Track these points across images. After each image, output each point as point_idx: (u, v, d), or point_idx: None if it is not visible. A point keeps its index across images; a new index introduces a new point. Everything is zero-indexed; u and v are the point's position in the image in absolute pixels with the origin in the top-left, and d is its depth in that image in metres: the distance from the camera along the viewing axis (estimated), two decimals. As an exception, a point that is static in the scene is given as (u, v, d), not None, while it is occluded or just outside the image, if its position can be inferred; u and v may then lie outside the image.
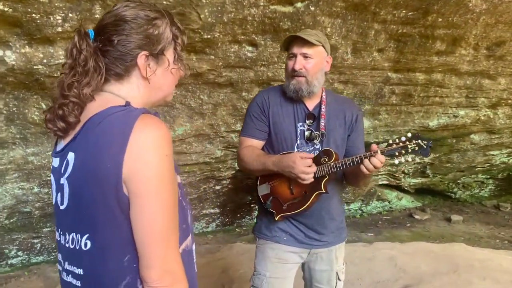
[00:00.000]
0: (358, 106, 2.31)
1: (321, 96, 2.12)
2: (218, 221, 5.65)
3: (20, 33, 2.76)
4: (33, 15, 2.66)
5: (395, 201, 6.88)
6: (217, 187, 5.17)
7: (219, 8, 3.10)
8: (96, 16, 2.83)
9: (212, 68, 3.63)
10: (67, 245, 1.05)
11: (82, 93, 1.02)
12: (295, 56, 2.01)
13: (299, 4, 3.38)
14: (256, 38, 3.52)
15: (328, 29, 3.70)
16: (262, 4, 3.24)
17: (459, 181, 7.22)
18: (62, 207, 1.05)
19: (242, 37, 3.45)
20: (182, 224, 1.10)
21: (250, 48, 3.63)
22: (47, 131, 1.07)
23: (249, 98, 3.94)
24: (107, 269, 1.00)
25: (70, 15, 2.76)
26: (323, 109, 2.08)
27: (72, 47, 1.04)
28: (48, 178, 3.74)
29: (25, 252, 4.33)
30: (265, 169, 2.02)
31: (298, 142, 2.06)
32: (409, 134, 1.88)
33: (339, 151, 2.07)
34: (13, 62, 2.86)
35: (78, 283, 1.04)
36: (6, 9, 2.57)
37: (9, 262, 4.31)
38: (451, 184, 7.20)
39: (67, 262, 1.06)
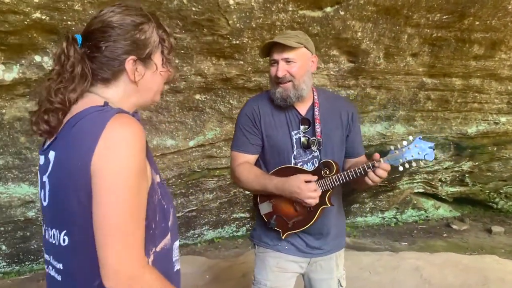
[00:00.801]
0: (352, 103, 2.18)
1: (313, 98, 2.00)
2: (248, 225, 5.67)
3: (57, 40, 2.89)
4: (69, 22, 2.78)
5: (432, 210, 6.66)
6: (247, 192, 5.19)
7: (247, 14, 3.13)
8: (128, 23, 2.92)
9: (241, 73, 3.67)
10: (50, 240, 1.08)
11: (67, 99, 1.05)
12: (276, 62, 1.89)
13: (328, 9, 3.36)
14: (285, 43, 3.52)
15: (359, 34, 3.65)
16: (290, 9, 3.24)
17: (501, 191, 6.89)
18: (44, 204, 1.09)
19: (271, 42, 3.46)
20: (161, 223, 1.10)
21: (279, 53, 3.64)
22: (32, 132, 1.10)
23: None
24: (83, 264, 1.01)
25: (103, 22, 2.86)
26: (316, 112, 1.96)
27: (60, 53, 1.06)
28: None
29: (62, 250, 4.51)
30: (266, 191, 1.93)
31: (295, 152, 1.95)
32: (410, 138, 1.79)
33: (338, 154, 2.00)
34: (50, 68, 2.99)
35: (59, 278, 1.07)
36: (43, 17, 2.70)
37: (47, 259, 4.49)
38: (492, 193, 6.88)
39: (52, 257, 1.09)
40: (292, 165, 1.95)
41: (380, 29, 3.69)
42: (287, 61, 1.87)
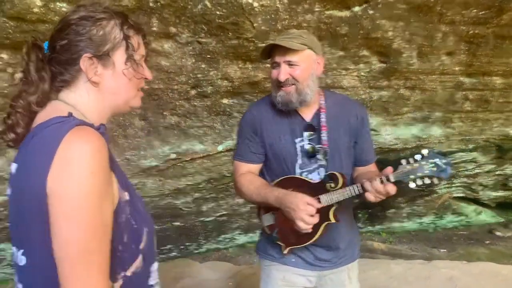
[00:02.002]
0: (362, 106, 2.02)
1: (319, 102, 1.87)
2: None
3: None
4: (95, 30, 2.82)
5: (473, 215, 6.36)
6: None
7: (273, 16, 3.08)
8: (153, 29, 2.94)
9: (267, 77, 3.61)
10: (13, 258, 1.02)
11: (27, 102, 1.01)
12: (278, 65, 1.78)
13: (356, 8, 3.26)
14: (312, 44, 3.45)
15: (390, 33, 3.53)
16: (317, 9, 3.17)
17: (549, 196, 6.51)
18: (11, 219, 1.03)
19: (298, 44, 3.40)
20: (131, 245, 1.01)
21: (306, 55, 3.57)
22: (2, 141, 1.06)
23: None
24: (41, 286, 0.94)
25: (129, 28, 2.89)
26: (323, 118, 1.82)
27: (22, 59, 1.04)
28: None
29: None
30: (266, 203, 1.82)
31: (300, 161, 1.83)
32: (424, 151, 1.61)
33: (347, 163, 1.87)
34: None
35: None
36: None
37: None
38: (539, 198, 6.51)
39: (16, 276, 1.03)
40: (297, 176, 1.84)
41: (412, 28, 3.55)
42: (290, 64, 1.75)
